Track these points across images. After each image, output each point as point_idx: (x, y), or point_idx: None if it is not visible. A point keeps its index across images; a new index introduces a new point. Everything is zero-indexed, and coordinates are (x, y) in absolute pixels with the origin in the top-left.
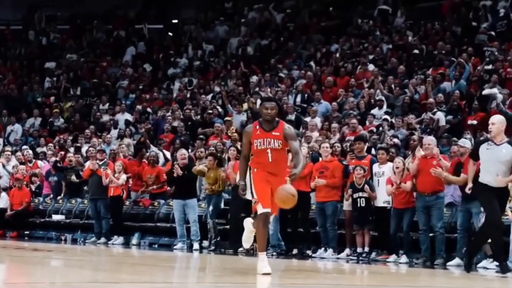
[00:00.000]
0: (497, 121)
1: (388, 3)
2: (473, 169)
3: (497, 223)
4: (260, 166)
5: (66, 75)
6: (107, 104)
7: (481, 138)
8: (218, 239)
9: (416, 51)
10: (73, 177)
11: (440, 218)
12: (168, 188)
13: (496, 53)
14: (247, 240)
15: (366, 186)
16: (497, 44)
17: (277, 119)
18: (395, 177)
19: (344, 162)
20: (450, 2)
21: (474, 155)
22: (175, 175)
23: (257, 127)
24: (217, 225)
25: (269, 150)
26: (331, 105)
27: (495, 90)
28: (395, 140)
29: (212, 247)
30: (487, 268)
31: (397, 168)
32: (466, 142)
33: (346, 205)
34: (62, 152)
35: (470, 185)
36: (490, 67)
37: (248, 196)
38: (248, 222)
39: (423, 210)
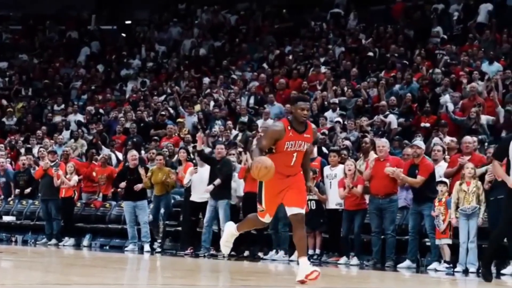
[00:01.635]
0: None
1: (340, 6)
2: (502, 169)
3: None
4: (278, 170)
5: (18, 76)
6: (59, 105)
7: (509, 135)
8: (169, 240)
9: (371, 53)
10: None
11: (393, 221)
12: (119, 189)
13: (447, 56)
14: (226, 244)
15: (315, 189)
16: (450, 47)
17: None
18: (347, 180)
19: None
20: (402, 5)
21: (500, 154)
22: (135, 188)
23: (289, 127)
24: (169, 227)
25: (295, 154)
26: (284, 107)
27: None
28: (347, 142)
29: (162, 249)
30: (438, 270)
31: (349, 170)
32: (421, 144)
33: None
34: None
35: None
36: (442, 70)
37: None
38: (229, 226)
39: (376, 212)
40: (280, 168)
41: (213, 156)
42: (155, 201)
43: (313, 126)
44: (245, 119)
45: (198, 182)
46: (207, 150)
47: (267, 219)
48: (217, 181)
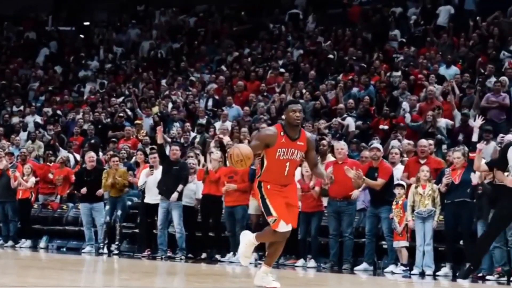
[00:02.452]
0: None
1: (299, 7)
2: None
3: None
4: (273, 181)
5: None
6: (18, 106)
7: (506, 143)
8: (126, 242)
9: (331, 56)
10: None
11: (350, 224)
12: (75, 191)
13: (405, 59)
14: (246, 255)
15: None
16: (407, 51)
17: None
18: (304, 181)
19: (253, 167)
20: (359, 8)
21: (502, 163)
22: (97, 193)
23: (282, 133)
24: (126, 229)
25: (288, 163)
26: (242, 110)
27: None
28: None
29: (119, 251)
30: (394, 273)
31: (306, 172)
32: (380, 147)
33: (252, 209)
34: None
35: None
36: (399, 73)
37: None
38: (246, 235)
39: (334, 215)
40: (275, 179)
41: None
42: (111, 202)
43: (308, 134)
44: (203, 121)
45: (153, 184)
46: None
47: (283, 227)
48: (180, 187)
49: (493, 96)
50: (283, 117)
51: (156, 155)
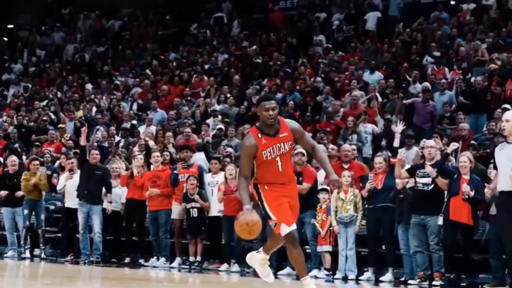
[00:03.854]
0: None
1: (224, 10)
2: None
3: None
4: (269, 181)
5: None
6: None
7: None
8: (50, 247)
9: (258, 60)
10: None
11: None
12: None
13: (329, 64)
14: (265, 273)
15: (197, 196)
16: (332, 56)
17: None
18: (227, 184)
19: (175, 171)
20: (281, 14)
21: (494, 167)
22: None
23: (259, 135)
24: (49, 233)
25: (278, 158)
26: (167, 114)
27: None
28: (229, 149)
29: (43, 255)
30: (318, 277)
31: (230, 175)
32: (305, 152)
33: (175, 214)
34: None
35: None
36: (323, 78)
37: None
38: (254, 257)
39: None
40: (271, 178)
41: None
42: (29, 206)
43: (287, 120)
44: (127, 125)
45: (72, 188)
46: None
47: (284, 230)
48: (109, 196)
49: (421, 103)
50: (258, 115)
51: (73, 159)
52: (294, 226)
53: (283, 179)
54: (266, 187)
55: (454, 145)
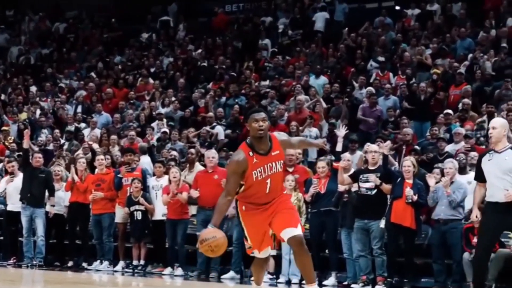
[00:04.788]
0: (498, 125)
1: (170, 14)
2: (480, 194)
3: (476, 261)
4: (251, 200)
5: None
6: None
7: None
8: None
9: (204, 64)
10: None
11: None
12: None
13: (274, 68)
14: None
15: (142, 199)
16: (277, 60)
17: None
18: (172, 186)
19: (120, 175)
20: (224, 17)
21: (478, 173)
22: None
23: (250, 153)
24: None
25: (269, 180)
26: (112, 117)
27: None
28: (174, 153)
29: None
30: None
31: (174, 178)
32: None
33: (119, 218)
34: None
35: (475, 212)
36: (268, 82)
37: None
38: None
39: (203, 224)
40: (253, 199)
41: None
42: None
43: (278, 135)
44: (72, 128)
45: (14, 191)
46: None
47: (256, 255)
48: (52, 199)
49: (368, 108)
50: (248, 129)
51: (14, 162)
52: (266, 253)
53: (267, 199)
54: (244, 208)
55: (386, 145)
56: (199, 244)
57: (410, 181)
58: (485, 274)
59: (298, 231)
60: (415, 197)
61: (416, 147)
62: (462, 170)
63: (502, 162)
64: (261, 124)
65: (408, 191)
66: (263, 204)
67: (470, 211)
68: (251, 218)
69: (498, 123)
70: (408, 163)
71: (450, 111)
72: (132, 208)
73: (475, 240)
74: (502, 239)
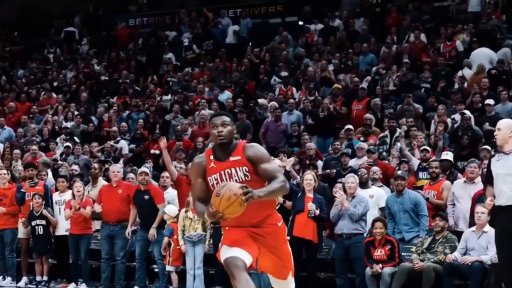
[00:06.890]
0: (504, 126)
1: (75, 25)
2: (491, 192)
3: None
4: (232, 220)
5: None
6: None
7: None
8: None
9: (106, 78)
10: None
11: (123, 248)
12: None
13: (178, 82)
14: None
15: (45, 211)
16: (181, 75)
17: (235, 140)
18: (74, 201)
19: (22, 190)
20: (127, 31)
21: (489, 176)
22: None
23: (211, 157)
24: None
25: None
26: (15, 131)
27: None
28: (75, 167)
29: None
30: None
31: (78, 192)
32: (148, 171)
33: (22, 233)
34: None
35: (489, 198)
36: (171, 97)
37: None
38: None
39: (107, 239)
40: (234, 220)
41: None
42: None
43: (248, 145)
44: None
45: None
46: None
47: (223, 252)
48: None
49: (273, 122)
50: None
51: None
52: (237, 252)
53: (248, 218)
54: (227, 228)
55: (290, 161)
56: (225, 200)
57: (311, 195)
58: None
59: (290, 283)
60: (317, 211)
61: (313, 162)
62: (363, 185)
63: (510, 164)
64: (220, 130)
65: (311, 205)
66: (246, 227)
67: (372, 225)
68: (234, 233)
69: (503, 124)
70: (310, 177)
71: (351, 126)
72: (33, 223)
73: (376, 253)
74: (403, 254)
